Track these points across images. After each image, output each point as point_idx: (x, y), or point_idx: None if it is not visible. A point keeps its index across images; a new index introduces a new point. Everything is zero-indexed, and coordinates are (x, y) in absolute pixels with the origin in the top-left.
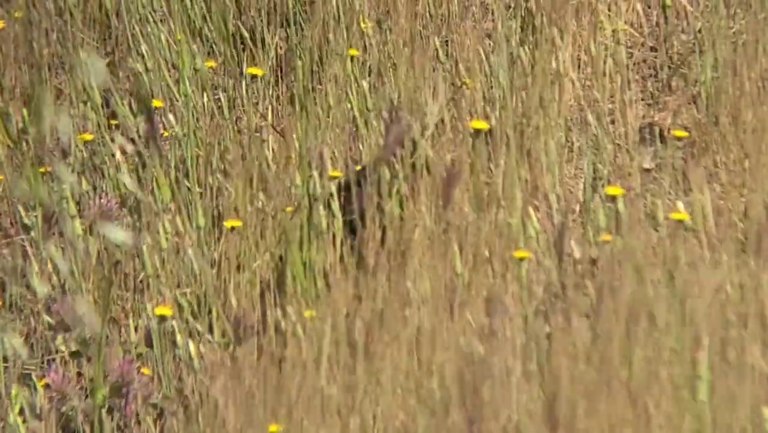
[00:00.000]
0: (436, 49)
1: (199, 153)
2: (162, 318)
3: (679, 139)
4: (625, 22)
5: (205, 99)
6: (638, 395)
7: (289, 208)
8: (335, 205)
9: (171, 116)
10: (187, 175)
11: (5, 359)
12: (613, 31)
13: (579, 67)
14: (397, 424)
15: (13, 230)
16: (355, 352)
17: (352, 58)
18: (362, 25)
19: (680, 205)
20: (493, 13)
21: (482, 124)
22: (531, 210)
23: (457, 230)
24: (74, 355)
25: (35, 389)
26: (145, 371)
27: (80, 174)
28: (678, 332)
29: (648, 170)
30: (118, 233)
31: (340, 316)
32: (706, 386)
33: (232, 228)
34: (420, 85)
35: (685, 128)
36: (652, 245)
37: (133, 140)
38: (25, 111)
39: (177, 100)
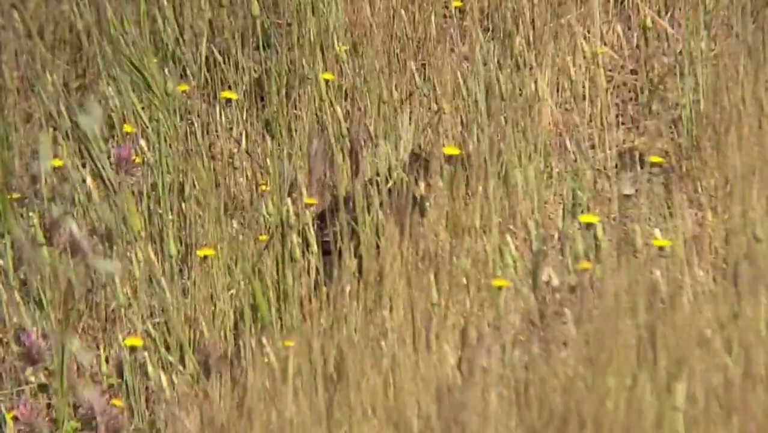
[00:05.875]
0: (413, 73)
1: (172, 180)
2: (132, 349)
3: (658, 165)
4: (605, 45)
5: (178, 124)
6: (618, 426)
7: (263, 237)
8: (310, 233)
9: (143, 141)
10: (159, 203)
11: None
12: (593, 53)
13: (558, 90)
14: None
15: None
16: (329, 383)
17: (327, 82)
18: (337, 49)
19: (657, 232)
20: (471, 36)
21: (454, 150)
22: (509, 237)
23: (433, 257)
24: (42, 388)
25: (4, 421)
26: (116, 402)
27: (50, 201)
28: (657, 362)
29: (628, 196)
30: (107, 264)
31: (314, 346)
32: (683, 417)
33: (205, 257)
34: (396, 109)
35: (666, 153)
36: (631, 272)
37: (103, 167)
38: None
39: (148, 126)
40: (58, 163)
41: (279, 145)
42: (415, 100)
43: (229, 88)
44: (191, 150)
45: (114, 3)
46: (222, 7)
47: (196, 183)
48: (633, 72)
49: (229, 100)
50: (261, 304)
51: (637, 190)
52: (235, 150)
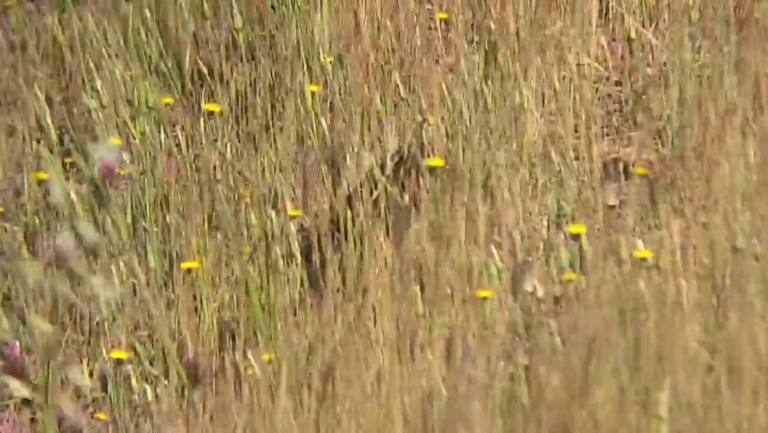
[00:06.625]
0: (398, 85)
1: (156, 192)
2: (118, 362)
3: (642, 176)
4: (590, 56)
5: (162, 136)
6: None
7: (247, 249)
8: (295, 245)
9: (126, 154)
10: (143, 216)
11: None
12: (578, 65)
13: (543, 102)
14: None
15: None
16: (315, 395)
17: (312, 94)
18: (322, 60)
19: (640, 243)
20: (456, 48)
21: (438, 162)
22: (493, 248)
23: (418, 268)
24: (26, 402)
25: None
26: (100, 416)
27: (34, 214)
28: (642, 372)
29: (612, 207)
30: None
31: (299, 358)
32: (668, 427)
33: (189, 269)
34: (380, 121)
35: (650, 163)
36: (616, 283)
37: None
38: None
39: (134, 138)
40: (42, 176)
41: (263, 157)
42: (400, 112)
43: (214, 100)
44: (176, 162)
45: (97, 16)
46: (206, 19)
47: (180, 195)
48: (618, 83)
49: (212, 113)
50: (257, 314)
51: (621, 201)
52: (219, 162)
